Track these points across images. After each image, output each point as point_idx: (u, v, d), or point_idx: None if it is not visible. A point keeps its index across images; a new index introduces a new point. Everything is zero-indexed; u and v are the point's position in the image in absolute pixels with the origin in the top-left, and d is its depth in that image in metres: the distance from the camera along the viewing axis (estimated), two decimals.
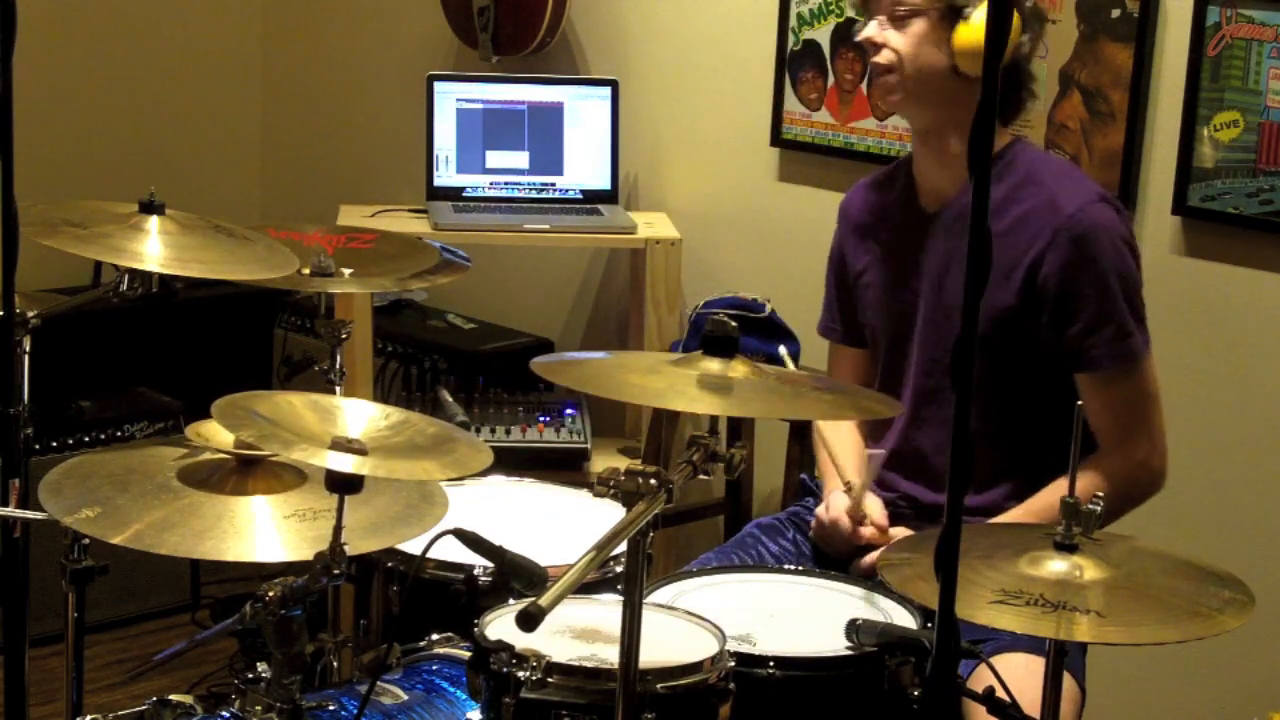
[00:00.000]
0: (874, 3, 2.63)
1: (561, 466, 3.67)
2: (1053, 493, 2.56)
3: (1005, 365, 2.58)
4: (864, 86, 3.67)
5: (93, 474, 2.20)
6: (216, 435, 2.18)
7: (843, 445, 2.77)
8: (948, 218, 2.66)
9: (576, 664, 2.01)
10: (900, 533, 2.64)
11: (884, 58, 2.61)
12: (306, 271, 2.69)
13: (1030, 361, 2.59)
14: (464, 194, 4.00)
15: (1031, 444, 2.63)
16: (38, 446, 3.74)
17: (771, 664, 2.11)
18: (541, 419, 3.83)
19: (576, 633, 2.12)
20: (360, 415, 2.13)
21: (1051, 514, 2.55)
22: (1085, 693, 2.50)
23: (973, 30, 2.54)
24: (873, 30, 2.62)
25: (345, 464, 1.94)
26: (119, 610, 4.09)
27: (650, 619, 1.93)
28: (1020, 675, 2.18)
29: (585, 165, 4.03)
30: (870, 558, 2.59)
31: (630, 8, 4.16)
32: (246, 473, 2.17)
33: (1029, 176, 2.61)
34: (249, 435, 2.04)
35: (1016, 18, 2.55)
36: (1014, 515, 2.59)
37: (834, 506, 2.69)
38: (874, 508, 2.67)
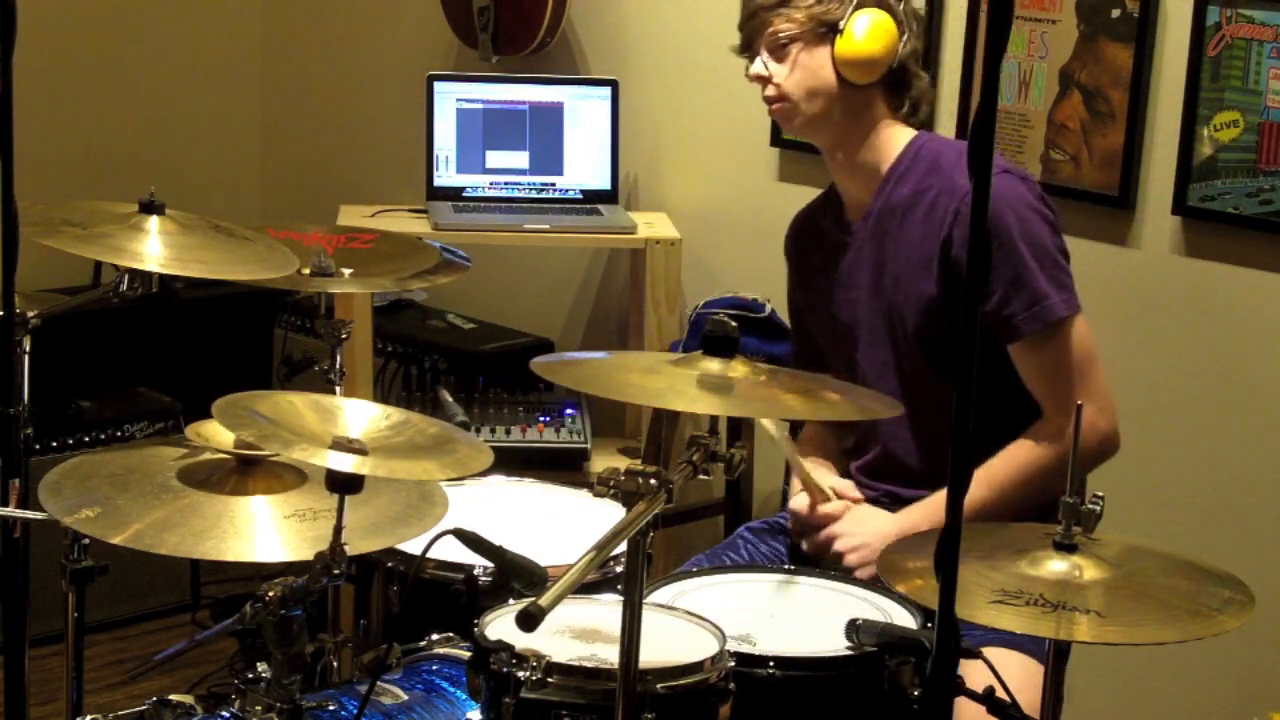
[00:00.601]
0: (754, 41, 2.71)
1: (561, 466, 3.67)
2: (1002, 460, 2.57)
3: (947, 358, 2.58)
4: None
5: (93, 474, 2.20)
6: (216, 435, 2.18)
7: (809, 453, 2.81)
8: (868, 224, 2.70)
9: (576, 664, 2.01)
10: (869, 509, 2.65)
11: (772, 90, 2.68)
12: (306, 271, 2.69)
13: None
14: (464, 194, 4.00)
15: (995, 436, 2.62)
16: (38, 446, 3.74)
17: (771, 664, 2.11)
18: (541, 419, 3.83)
19: (576, 633, 2.12)
20: (360, 415, 2.13)
21: (996, 481, 2.55)
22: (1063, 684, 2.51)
23: (851, 41, 2.62)
24: (758, 67, 2.69)
25: (345, 464, 1.94)
26: (119, 610, 4.09)
27: (650, 619, 1.93)
28: (1008, 674, 2.18)
29: (585, 165, 4.03)
30: (825, 536, 2.61)
31: (630, 8, 4.15)
32: (246, 473, 2.17)
33: (934, 165, 2.65)
34: (249, 435, 2.04)
35: (890, 21, 2.62)
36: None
37: (795, 501, 2.71)
38: (837, 483, 2.70)
